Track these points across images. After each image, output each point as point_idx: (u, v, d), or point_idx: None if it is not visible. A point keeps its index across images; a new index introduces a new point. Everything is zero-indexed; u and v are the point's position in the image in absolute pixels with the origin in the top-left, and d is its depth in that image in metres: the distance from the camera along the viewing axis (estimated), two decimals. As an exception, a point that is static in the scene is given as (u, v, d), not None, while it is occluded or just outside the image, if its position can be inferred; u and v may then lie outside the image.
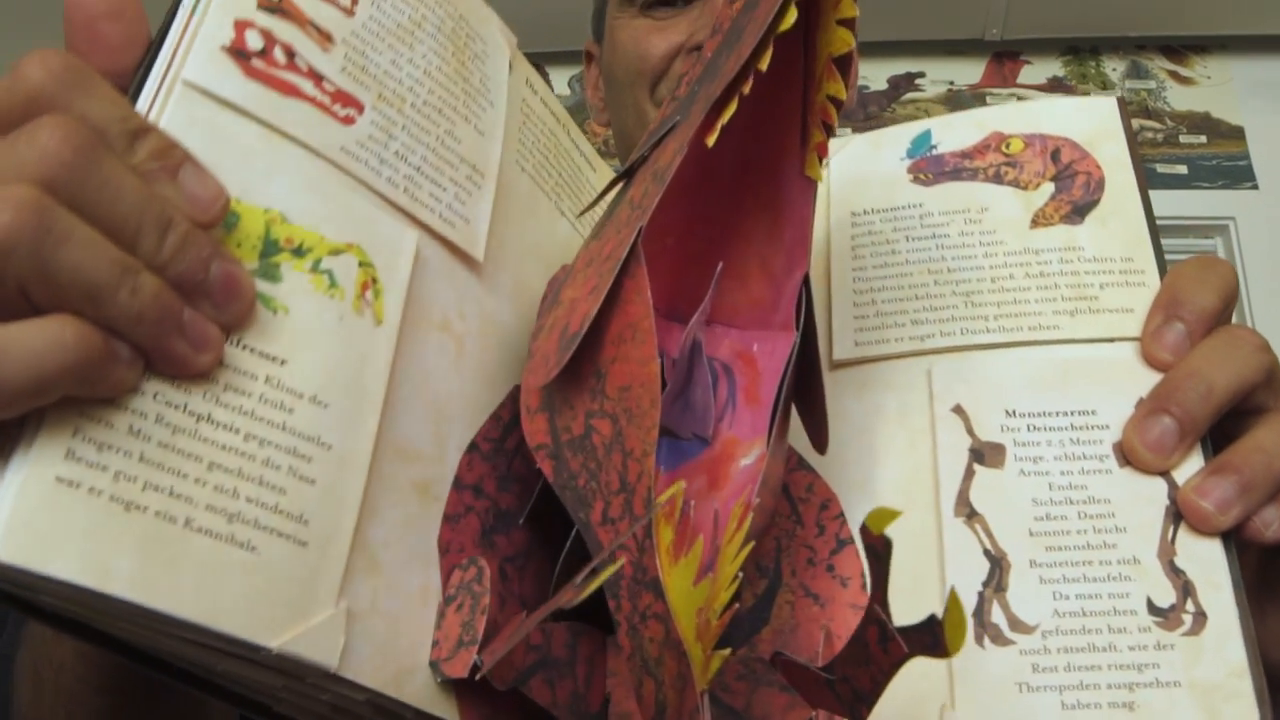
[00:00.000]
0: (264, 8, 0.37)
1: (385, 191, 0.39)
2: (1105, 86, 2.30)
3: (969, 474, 0.44)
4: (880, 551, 0.31)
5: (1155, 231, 0.47)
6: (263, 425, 0.33)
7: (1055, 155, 0.50)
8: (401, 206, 0.40)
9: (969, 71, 2.34)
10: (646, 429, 0.35)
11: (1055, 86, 2.31)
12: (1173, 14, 2.23)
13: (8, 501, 0.27)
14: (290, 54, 0.38)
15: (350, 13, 0.41)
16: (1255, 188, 2.17)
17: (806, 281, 0.44)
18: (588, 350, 0.37)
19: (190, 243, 0.31)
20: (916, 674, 0.38)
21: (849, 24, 0.39)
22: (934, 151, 0.54)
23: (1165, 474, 0.41)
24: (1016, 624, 0.40)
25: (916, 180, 0.53)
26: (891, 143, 0.56)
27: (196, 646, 0.32)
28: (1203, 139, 2.23)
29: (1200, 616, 0.39)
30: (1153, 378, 0.43)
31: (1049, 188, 0.50)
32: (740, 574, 0.35)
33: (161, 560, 0.29)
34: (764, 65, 0.37)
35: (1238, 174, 2.19)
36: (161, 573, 0.29)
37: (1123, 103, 0.51)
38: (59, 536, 0.28)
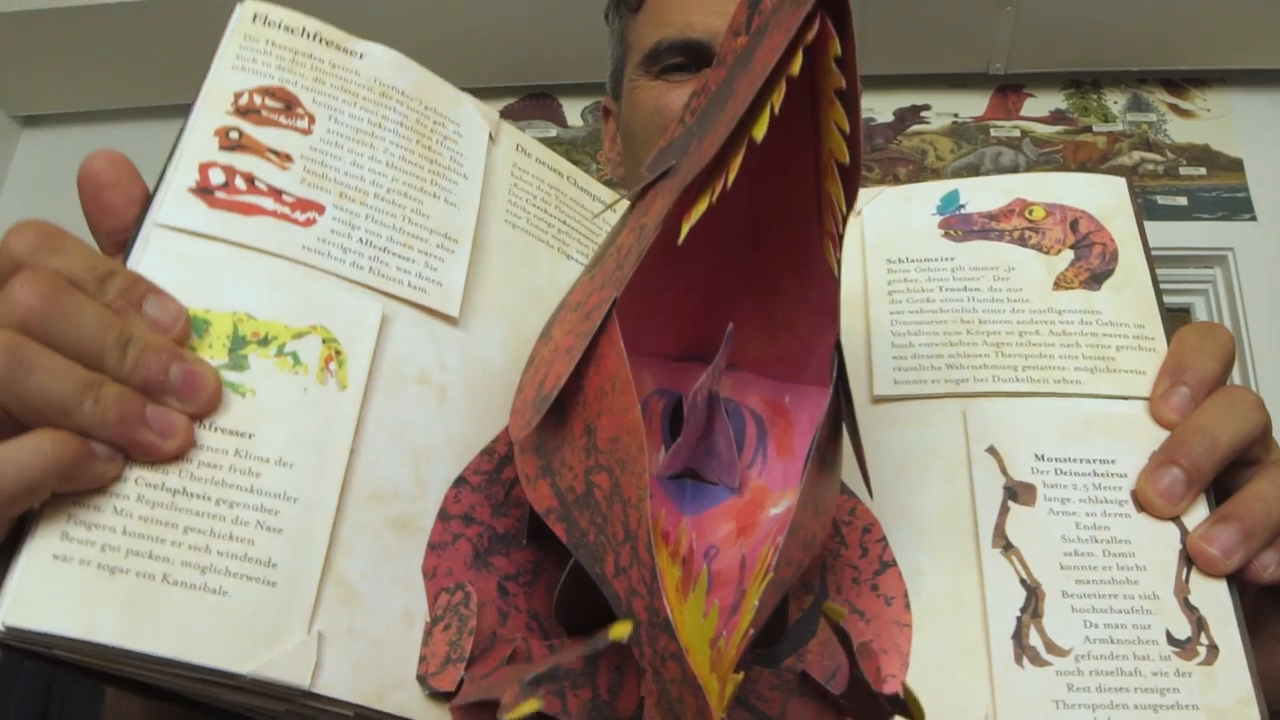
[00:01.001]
0: (225, 148, 0.45)
1: (349, 275, 0.45)
2: (1107, 119, 2.33)
3: (1004, 510, 0.48)
4: (844, 634, 0.37)
5: (1162, 301, 0.52)
6: (232, 490, 0.40)
7: (1074, 225, 0.55)
8: (367, 284, 0.46)
9: (973, 104, 2.37)
10: (638, 474, 0.37)
11: (1058, 119, 2.34)
12: (1173, 48, 2.26)
13: (14, 579, 0.36)
14: (250, 180, 0.45)
15: (308, 132, 0.47)
16: (1254, 219, 2.20)
17: (839, 346, 0.45)
18: (576, 409, 0.40)
19: (149, 352, 0.39)
20: (961, 686, 0.43)
21: (846, 135, 0.40)
22: (962, 210, 0.58)
23: (1176, 519, 0.46)
24: (1052, 647, 0.44)
25: (947, 235, 0.57)
26: (921, 198, 0.59)
27: (200, 682, 0.38)
28: (1202, 171, 2.26)
29: (1213, 649, 0.43)
30: (1163, 433, 0.48)
31: (1069, 254, 0.54)
32: (759, 603, 0.37)
33: (142, 611, 0.36)
34: (732, 177, 0.38)
35: (1237, 205, 2.22)
36: (142, 621, 0.36)
37: (1131, 183, 0.56)
38: (54, 601, 0.35)
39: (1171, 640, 0.44)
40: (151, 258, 0.42)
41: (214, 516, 0.39)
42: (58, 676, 1.88)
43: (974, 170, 2.31)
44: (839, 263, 0.43)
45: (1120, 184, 0.56)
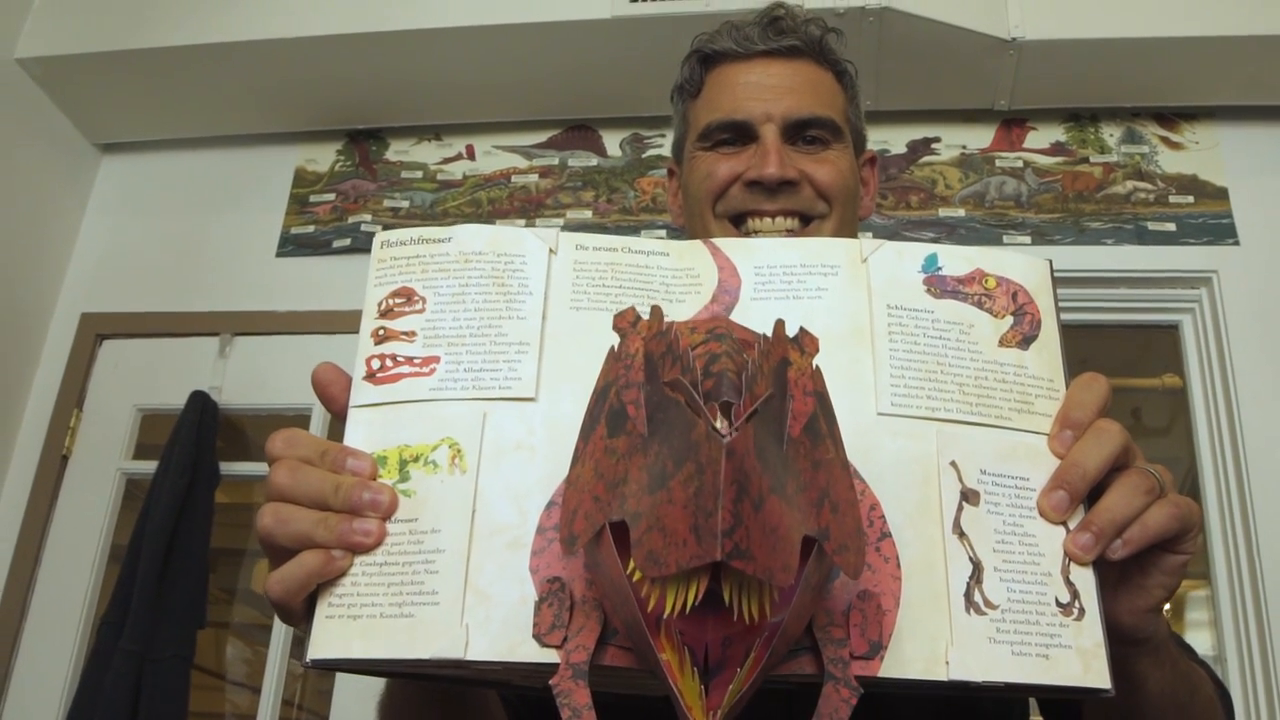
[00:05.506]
0: (377, 343, 0.69)
1: (459, 395, 0.68)
2: (1103, 151, 2.50)
3: (960, 507, 0.65)
4: None
5: (1067, 360, 0.70)
6: (409, 555, 0.63)
7: (1014, 296, 0.72)
8: (471, 397, 0.67)
9: (980, 137, 2.55)
10: (634, 607, 0.53)
11: (1057, 150, 2.52)
12: (1165, 85, 2.44)
13: (312, 634, 0.62)
14: (394, 358, 0.69)
15: (423, 311, 0.70)
16: (1237, 244, 2.38)
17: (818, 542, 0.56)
18: (603, 554, 0.57)
19: (351, 490, 0.63)
20: (931, 624, 0.61)
21: None
22: (940, 272, 0.74)
23: (1063, 524, 0.65)
24: (988, 603, 0.62)
25: (929, 292, 0.73)
26: (911, 256, 0.75)
27: (418, 665, 0.61)
28: (1190, 199, 2.43)
29: (1082, 610, 0.63)
30: (1058, 461, 0.67)
31: (1010, 319, 0.71)
32: (750, 684, 0.53)
33: (372, 636, 0.61)
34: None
35: (1221, 231, 2.39)
36: (373, 641, 0.61)
37: (1051, 265, 0.74)
38: (329, 641, 0.62)
39: (1058, 604, 0.63)
40: (351, 428, 0.67)
41: (401, 574, 0.62)
42: (148, 655, 2.17)
43: (980, 198, 2.48)
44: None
45: (1045, 266, 0.74)
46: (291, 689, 2.48)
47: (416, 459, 0.65)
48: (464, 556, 0.63)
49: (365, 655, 0.61)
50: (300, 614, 0.63)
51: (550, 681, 0.58)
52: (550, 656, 0.59)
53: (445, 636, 0.60)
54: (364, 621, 0.61)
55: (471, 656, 0.60)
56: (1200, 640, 2.37)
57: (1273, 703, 2.09)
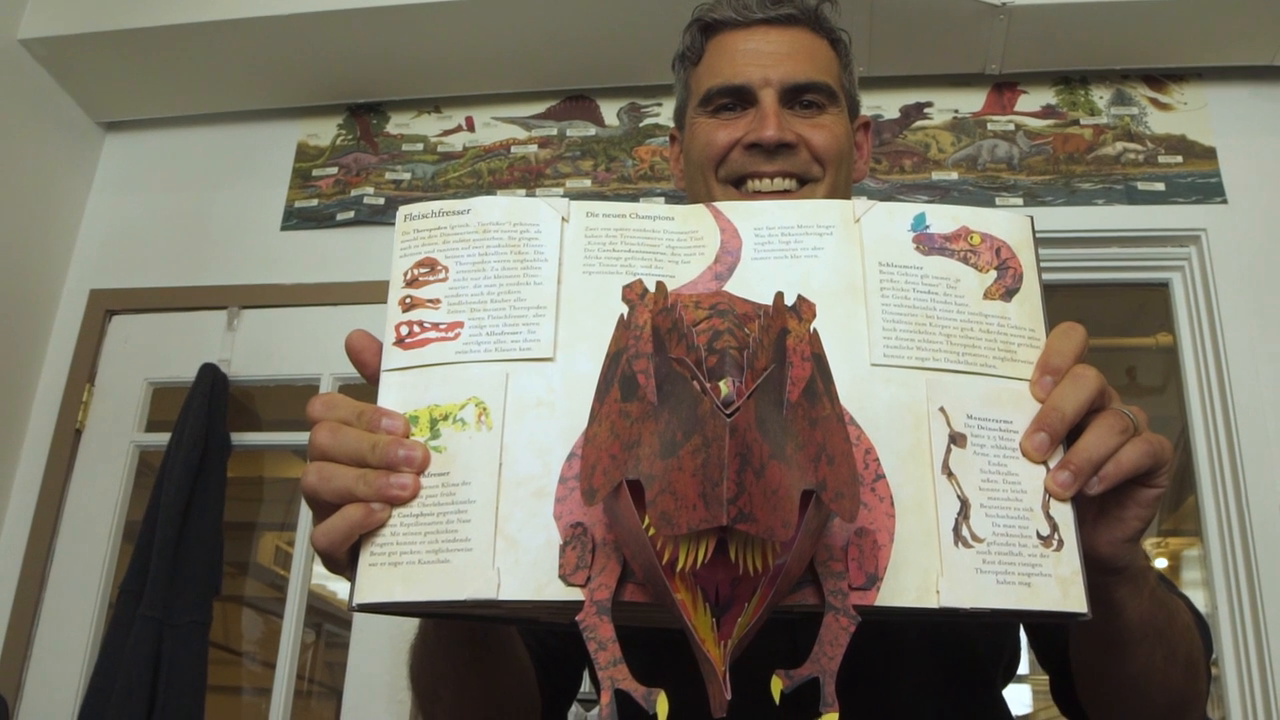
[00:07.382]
0: (404, 310, 0.74)
1: (483, 358, 0.71)
2: (1093, 113, 2.54)
3: (948, 450, 0.69)
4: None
5: (1047, 311, 0.74)
6: (442, 506, 0.67)
7: (998, 252, 0.76)
8: (494, 359, 0.71)
9: (972, 100, 2.58)
10: (649, 555, 0.57)
11: (1048, 113, 2.55)
12: (1154, 47, 2.47)
13: (356, 580, 0.67)
14: (420, 324, 0.73)
15: (445, 279, 0.74)
16: (1225, 202, 2.41)
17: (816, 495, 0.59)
18: (622, 506, 0.61)
19: (386, 447, 0.67)
20: (923, 557, 0.66)
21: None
22: (927, 230, 0.78)
23: (1044, 463, 0.69)
24: (974, 537, 0.67)
25: (917, 249, 0.77)
26: (900, 216, 0.78)
27: (456, 606, 0.66)
28: (1179, 159, 2.46)
29: (1061, 542, 0.67)
30: (1038, 405, 0.71)
31: (994, 273, 0.75)
32: (754, 621, 0.58)
33: (412, 581, 0.66)
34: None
35: (1210, 190, 2.42)
36: (413, 585, 0.66)
37: (1032, 221, 0.78)
38: (372, 586, 0.67)
39: (1039, 536, 0.67)
40: (384, 391, 0.72)
41: (436, 523, 0.67)
42: (167, 620, 2.23)
43: (972, 161, 2.51)
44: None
45: (1027, 222, 0.78)
46: (303, 661, 2.53)
47: (446, 417, 0.70)
48: (493, 506, 0.67)
49: (406, 599, 0.66)
50: (345, 563, 0.68)
51: (576, 618, 0.63)
52: (575, 595, 0.64)
53: (479, 579, 0.65)
54: (404, 568, 0.66)
55: (504, 597, 0.64)
56: (1194, 599, 2.41)
57: (1264, 655, 2.13)
